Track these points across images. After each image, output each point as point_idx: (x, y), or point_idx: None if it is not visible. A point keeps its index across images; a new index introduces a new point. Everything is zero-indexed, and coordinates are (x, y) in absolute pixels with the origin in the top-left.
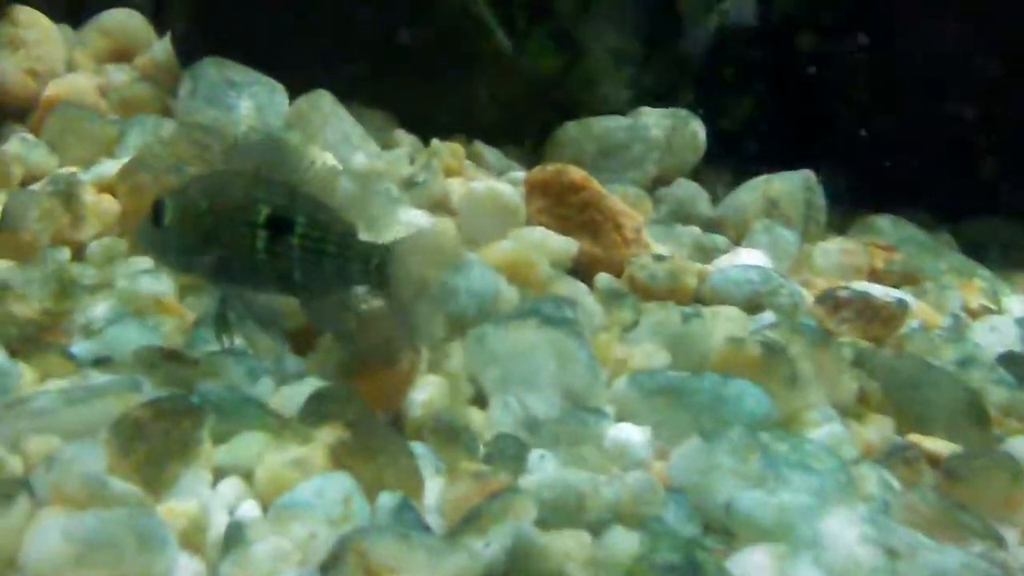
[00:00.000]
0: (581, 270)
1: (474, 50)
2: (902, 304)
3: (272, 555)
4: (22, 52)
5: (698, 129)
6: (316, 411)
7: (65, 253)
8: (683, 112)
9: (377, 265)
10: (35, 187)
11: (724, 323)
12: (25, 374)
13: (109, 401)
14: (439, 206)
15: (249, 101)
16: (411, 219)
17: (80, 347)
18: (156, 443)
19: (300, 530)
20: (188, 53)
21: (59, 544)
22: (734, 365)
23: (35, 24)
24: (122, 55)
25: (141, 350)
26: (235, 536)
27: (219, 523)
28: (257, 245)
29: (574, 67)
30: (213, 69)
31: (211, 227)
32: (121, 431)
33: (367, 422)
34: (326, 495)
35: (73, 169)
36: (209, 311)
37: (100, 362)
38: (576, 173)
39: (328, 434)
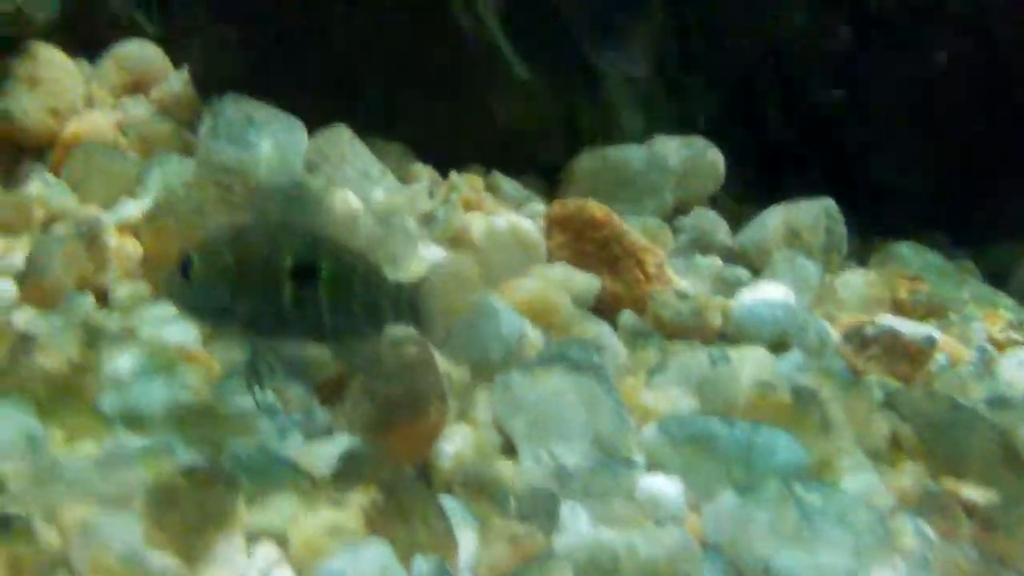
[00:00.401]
0: (603, 307)
1: (490, 79)
2: (929, 341)
3: None
4: (40, 89)
5: (716, 158)
6: (348, 471)
7: (89, 298)
8: (701, 141)
9: (408, 303)
10: (57, 228)
11: (751, 365)
12: (55, 435)
13: (142, 466)
14: (459, 241)
15: (269, 139)
16: (431, 256)
17: (108, 401)
18: (191, 512)
19: None
20: (207, 88)
21: None
22: (764, 411)
23: (53, 61)
24: (138, 87)
25: (170, 406)
26: None
27: None
28: (284, 295)
29: (591, 96)
30: (233, 107)
31: (238, 280)
32: (156, 500)
33: (401, 482)
34: (362, 564)
35: (95, 210)
36: (240, 365)
37: (129, 419)
38: (597, 209)
39: (362, 497)
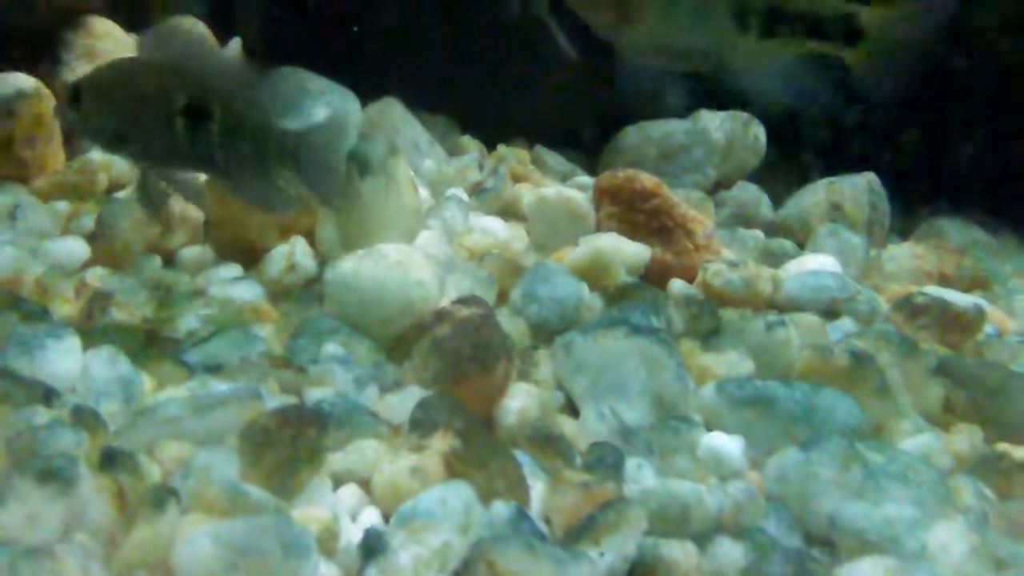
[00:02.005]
0: (652, 276)
1: (537, 56)
2: (979, 310)
3: (414, 564)
4: (99, 62)
5: (759, 132)
6: (424, 419)
7: (157, 261)
8: (744, 115)
9: (291, 149)
10: (121, 195)
11: (805, 331)
12: (145, 382)
13: (233, 408)
14: (508, 212)
15: (325, 109)
16: (485, 226)
17: (191, 355)
18: (284, 451)
19: (435, 539)
20: (258, 62)
21: (211, 551)
22: (821, 374)
23: (110, 35)
24: None
25: (250, 357)
26: (376, 544)
27: (346, 530)
28: (177, 129)
29: (635, 72)
30: (290, 79)
31: (128, 111)
32: (250, 439)
33: (476, 430)
34: (449, 505)
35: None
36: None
37: (212, 369)
38: (647, 179)
39: (440, 442)
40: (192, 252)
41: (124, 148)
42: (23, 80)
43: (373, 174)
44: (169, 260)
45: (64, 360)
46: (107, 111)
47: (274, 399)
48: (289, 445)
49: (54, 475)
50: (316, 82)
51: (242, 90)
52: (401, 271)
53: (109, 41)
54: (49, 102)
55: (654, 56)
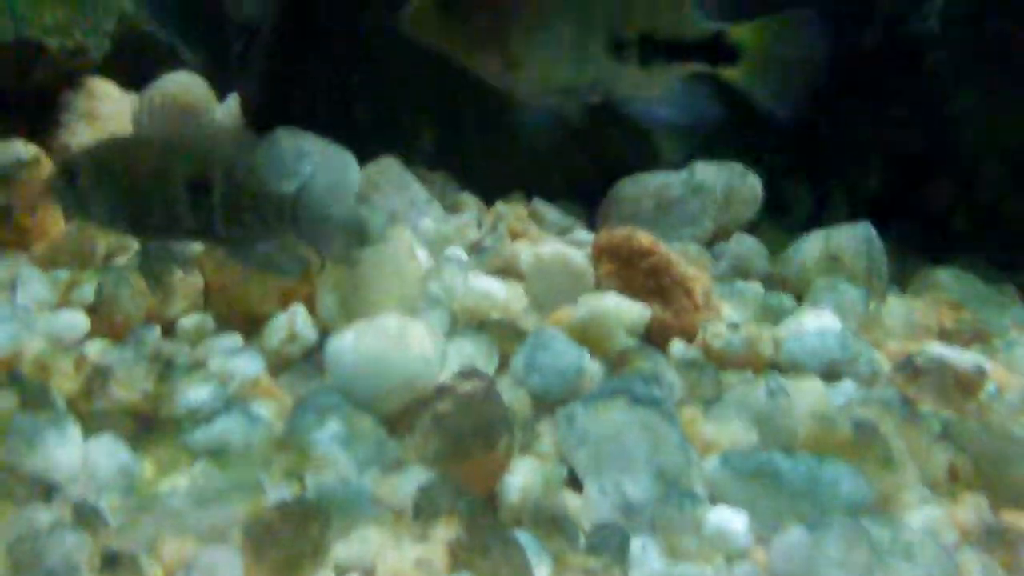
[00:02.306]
0: (653, 336)
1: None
2: (979, 370)
3: None
4: (99, 124)
5: (755, 183)
6: (427, 505)
7: (156, 331)
8: (739, 166)
9: (290, 211)
10: (120, 261)
11: (807, 397)
12: (145, 468)
13: (236, 501)
14: (507, 270)
15: (322, 171)
16: (484, 287)
17: (193, 436)
18: (288, 547)
19: None
20: (258, 120)
21: None
22: (825, 444)
23: (109, 96)
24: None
25: (252, 441)
26: None
27: None
28: (179, 203)
29: (630, 123)
30: (287, 140)
31: (128, 186)
32: (253, 535)
33: (479, 517)
34: None
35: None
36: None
37: (215, 452)
38: (645, 238)
39: (444, 531)
40: (192, 321)
41: (122, 224)
42: (23, 149)
43: (373, 243)
44: (169, 329)
45: (65, 451)
46: (106, 189)
47: (277, 487)
48: (293, 541)
49: None
50: (313, 142)
51: (238, 157)
52: (402, 345)
53: (108, 102)
54: (49, 169)
55: (542, 96)
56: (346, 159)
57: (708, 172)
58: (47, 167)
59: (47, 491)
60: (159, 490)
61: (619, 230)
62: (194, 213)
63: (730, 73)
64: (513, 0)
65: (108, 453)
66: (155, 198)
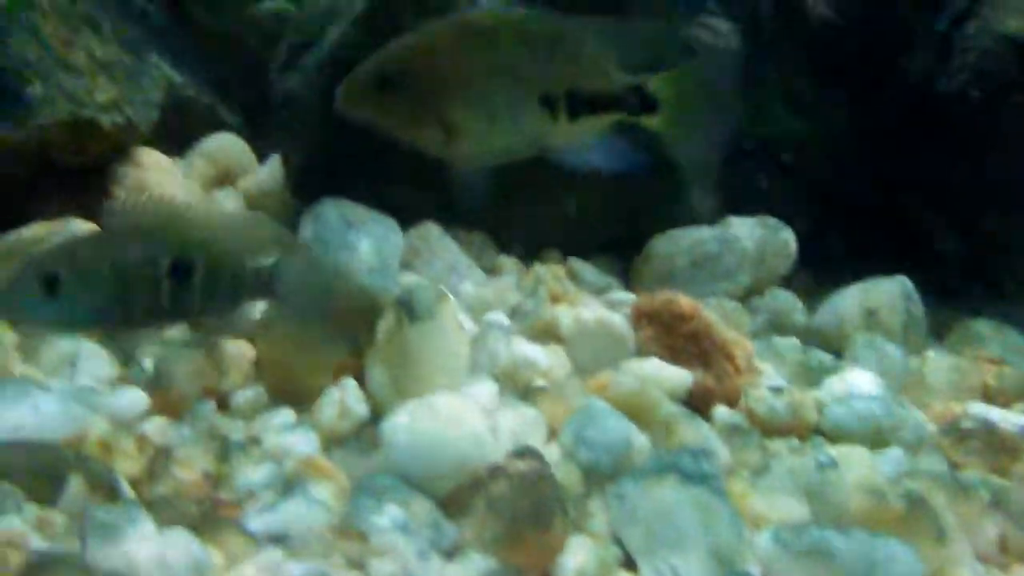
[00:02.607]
0: (694, 401)
1: (570, 173)
2: None
3: None
4: (148, 194)
5: (789, 238)
6: None
7: (211, 406)
8: (772, 220)
9: (266, 281)
10: (175, 334)
11: (855, 467)
12: (215, 558)
13: None
14: (548, 333)
15: (368, 239)
16: (527, 354)
17: (254, 523)
18: None
19: None
20: (302, 186)
21: None
22: (876, 519)
23: (156, 165)
24: (226, 178)
25: (313, 527)
26: None
27: None
28: (163, 291)
29: (663, 179)
30: (333, 210)
31: (115, 285)
32: None
33: None
34: None
35: None
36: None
37: (277, 540)
38: (685, 302)
39: None
40: (246, 395)
41: (109, 324)
42: (80, 226)
43: (421, 320)
44: (223, 402)
45: (141, 547)
46: (92, 290)
47: None
48: None
49: None
50: (358, 212)
51: (215, 236)
52: (455, 425)
53: (156, 171)
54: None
55: (483, 160)
56: (389, 226)
57: (742, 227)
58: None
59: None
60: None
61: (659, 294)
62: (177, 297)
63: (649, 122)
64: (448, 72)
65: (181, 546)
66: (140, 288)
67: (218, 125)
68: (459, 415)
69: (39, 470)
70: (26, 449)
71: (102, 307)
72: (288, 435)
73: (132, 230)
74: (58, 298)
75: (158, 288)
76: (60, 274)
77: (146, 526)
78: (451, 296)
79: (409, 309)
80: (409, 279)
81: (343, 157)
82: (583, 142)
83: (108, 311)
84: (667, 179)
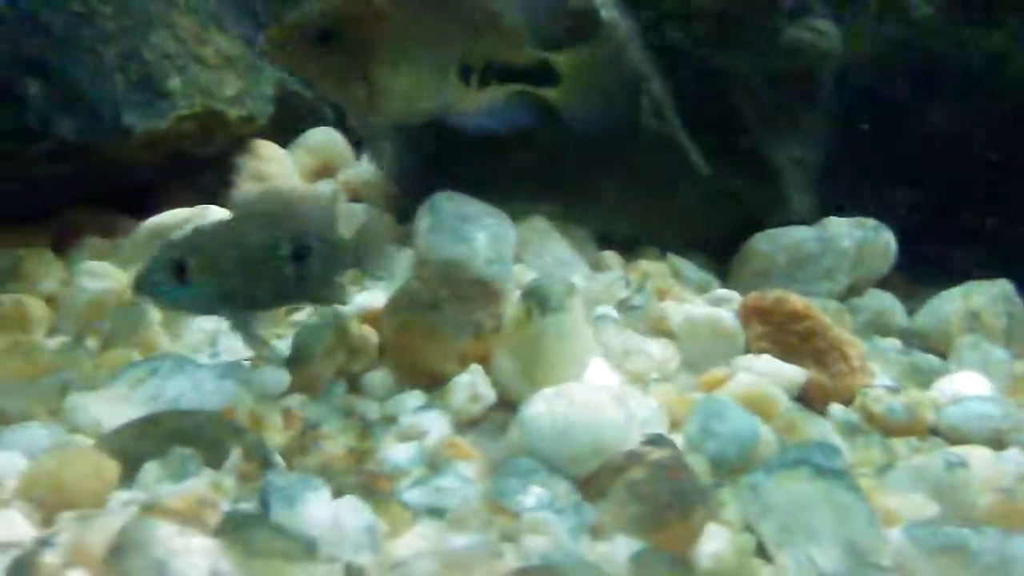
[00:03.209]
0: (807, 399)
1: (671, 172)
2: None
3: None
4: (266, 184)
5: (889, 239)
6: (647, 574)
7: (343, 386)
8: (872, 222)
9: (353, 253)
10: (300, 317)
11: (980, 466)
12: (381, 527)
13: (481, 567)
14: (655, 329)
15: (483, 233)
16: (641, 347)
17: (410, 495)
18: None
19: None
20: (410, 179)
21: None
22: (1006, 517)
23: (274, 156)
24: (326, 171)
25: (468, 501)
26: None
27: None
28: (287, 274)
29: (762, 180)
30: (449, 204)
31: (242, 270)
32: None
33: None
34: None
35: None
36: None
37: (435, 513)
38: (798, 301)
39: None
40: (375, 377)
41: (232, 306)
42: (217, 212)
43: (553, 311)
44: (352, 384)
45: (319, 511)
46: (219, 276)
47: (507, 553)
48: None
49: None
50: (473, 206)
51: (326, 220)
52: (593, 412)
53: (273, 162)
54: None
55: (400, 119)
56: (502, 219)
57: (841, 227)
58: None
59: (310, 548)
60: (397, 549)
61: (770, 292)
62: (296, 280)
63: (548, 93)
64: (377, 34)
65: (355, 513)
66: (264, 272)
67: (318, 119)
68: (596, 403)
69: (206, 438)
70: (194, 418)
71: (227, 291)
72: (421, 416)
73: (255, 217)
74: (186, 283)
75: (281, 271)
76: (188, 262)
77: (323, 492)
78: (579, 289)
79: (541, 300)
80: (523, 272)
81: (451, 151)
82: (483, 107)
83: (233, 294)
84: (766, 180)
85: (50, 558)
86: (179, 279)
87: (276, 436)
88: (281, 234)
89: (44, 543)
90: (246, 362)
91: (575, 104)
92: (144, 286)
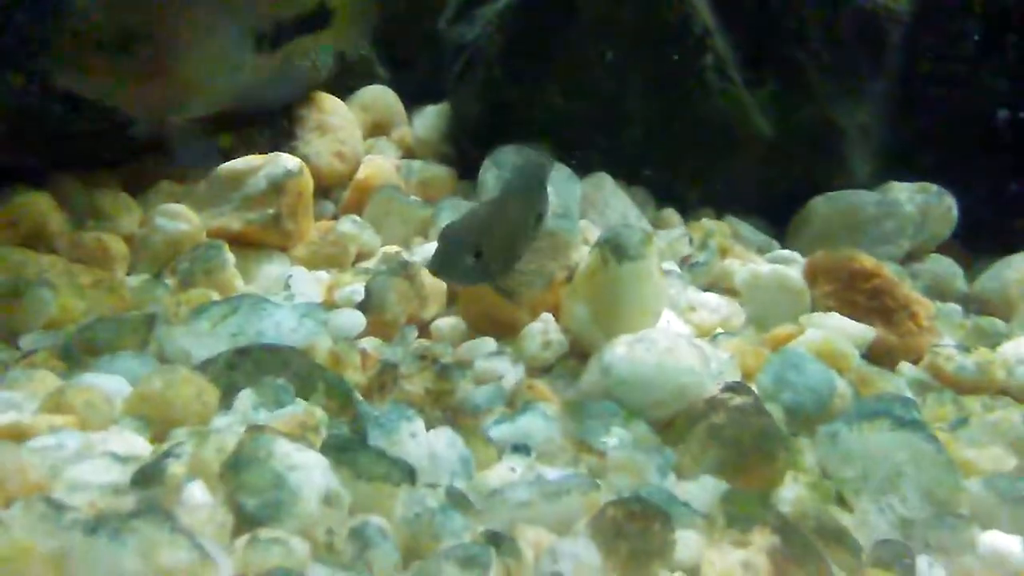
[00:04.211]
0: (874, 357)
1: (732, 133)
2: None
3: None
4: (329, 136)
5: (951, 204)
6: (737, 513)
7: (415, 332)
8: (934, 187)
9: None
10: (367, 264)
11: None
12: (473, 459)
13: (577, 497)
14: (718, 286)
15: (551, 187)
16: (706, 302)
17: (495, 432)
18: (635, 543)
19: None
20: (478, 135)
21: None
22: None
23: (337, 111)
24: (379, 128)
25: (553, 439)
26: None
27: None
28: (532, 238)
29: (824, 143)
30: (513, 156)
31: (511, 248)
32: (602, 530)
33: (789, 527)
34: None
35: (397, 249)
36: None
37: (518, 449)
38: (867, 260)
39: (760, 539)
40: (446, 323)
41: (506, 273)
42: (290, 160)
43: (631, 259)
44: (423, 331)
45: (414, 441)
46: (505, 254)
47: (605, 486)
48: (639, 538)
49: (474, 560)
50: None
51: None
52: (673, 357)
53: (336, 115)
54: (309, 179)
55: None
56: (568, 174)
57: (903, 192)
58: (308, 176)
59: (411, 474)
60: (488, 479)
61: (837, 252)
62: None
63: (324, 35)
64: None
65: (449, 444)
66: (522, 244)
67: (371, 77)
68: (676, 349)
69: (294, 371)
70: (283, 353)
71: (504, 263)
72: (495, 361)
73: (507, 200)
74: (480, 263)
75: (531, 236)
76: (482, 246)
77: (417, 423)
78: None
79: (618, 248)
80: (587, 228)
81: (519, 108)
82: (265, 66)
83: (508, 264)
84: (828, 144)
85: (175, 468)
86: (477, 260)
87: (355, 375)
88: (532, 208)
89: (168, 455)
90: (321, 304)
91: (344, 35)
92: (446, 269)
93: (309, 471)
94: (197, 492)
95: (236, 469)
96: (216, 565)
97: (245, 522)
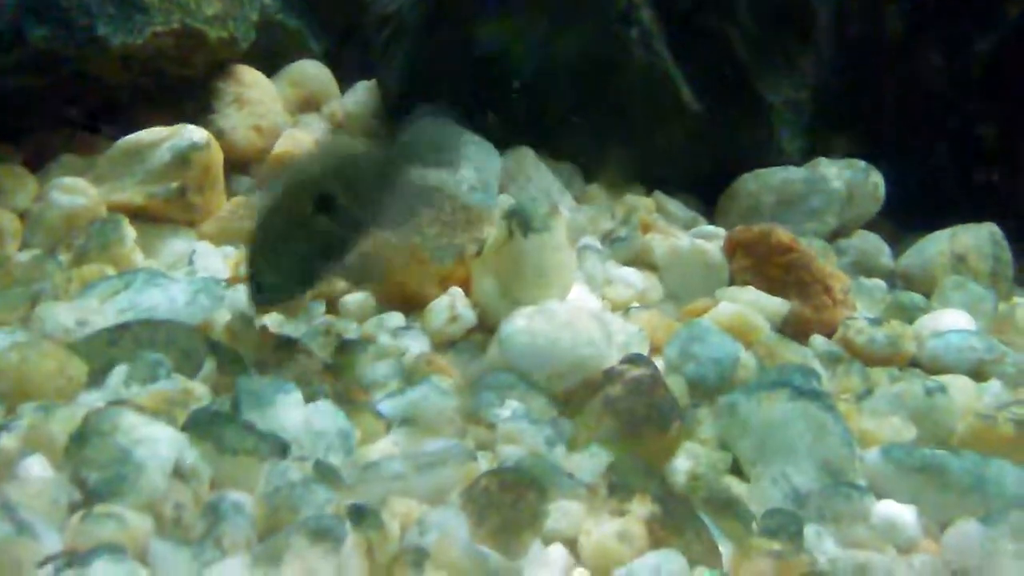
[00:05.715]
0: (788, 330)
1: (660, 107)
2: None
3: None
4: (247, 109)
5: (878, 181)
6: (620, 483)
7: (322, 307)
8: (862, 164)
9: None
10: None
11: (960, 395)
12: (355, 433)
13: (453, 468)
14: (639, 261)
15: (469, 161)
16: (624, 277)
17: (384, 406)
18: (507, 513)
19: None
20: (400, 109)
21: None
22: (984, 442)
23: (256, 82)
24: (309, 105)
25: (443, 412)
26: None
27: None
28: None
29: (752, 119)
30: (431, 128)
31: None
32: (474, 500)
33: (669, 496)
34: (663, 573)
35: None
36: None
37: (408, 422)
38: (783, 234)
39: (640, 508)
40: (355, 299)
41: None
42: (196, 132)
43: (536, 231)
44: (331, 305)
45: (291, 413)
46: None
47: (480, 458)
48: (511, 508)
49: (326, 533)
50: (456, 130)
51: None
52: (572, 330)
53: (255, 88)
54: (217, 152)
55: None
56: (487, 148)
57: (831, 169)
58: (216, 149)
59: (282, 448)
60: (369, 453)
61: (756, 226)
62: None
63: None
64: None
65: (329, 417)
66: (297, 240)
67: (303, 50)
68: (576, 321)
69: (179, 348)
70: (167, 328)
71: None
72: (401, 336)
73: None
74: (253, 285)
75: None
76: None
77: (295, 395)
78: (562, 211)
79: (523, 221)
80: (507, 202)
81: (441, 80)
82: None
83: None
84: (757, 119)
85: (6, 442)
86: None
87: (252, 352)
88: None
89: (1, 428)
90: (222, 280)
91: None
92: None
93: (155, 445)
94: (35, 466)
95: (80, 443)
96: (36, 539)
97: (89, 497)
